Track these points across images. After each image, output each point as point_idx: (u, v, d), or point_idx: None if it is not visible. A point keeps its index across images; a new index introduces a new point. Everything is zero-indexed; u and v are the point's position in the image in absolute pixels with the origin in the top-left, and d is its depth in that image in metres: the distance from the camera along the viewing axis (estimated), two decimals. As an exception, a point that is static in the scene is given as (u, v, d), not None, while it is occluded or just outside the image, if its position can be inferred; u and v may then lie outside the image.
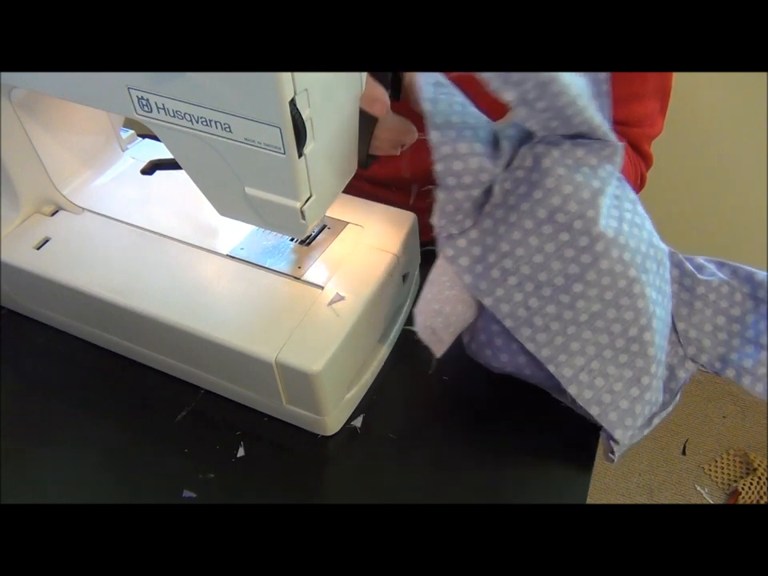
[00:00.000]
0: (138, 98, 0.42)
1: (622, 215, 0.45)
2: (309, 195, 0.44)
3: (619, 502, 1.33)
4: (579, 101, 0.42)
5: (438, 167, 0.45)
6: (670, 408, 0.50)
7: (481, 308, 0.49)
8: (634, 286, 0.44)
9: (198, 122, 0.41)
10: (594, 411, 0.46)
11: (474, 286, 0.46)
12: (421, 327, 0.47)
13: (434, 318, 0.47)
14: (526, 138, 0.47)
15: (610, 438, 0.48)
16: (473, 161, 0.45)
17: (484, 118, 0.47)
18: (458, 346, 0.59)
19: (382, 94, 0.48)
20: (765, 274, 0.49)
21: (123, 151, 0.64)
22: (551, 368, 0.46)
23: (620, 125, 0.59)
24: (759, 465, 1.34)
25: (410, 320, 0.60)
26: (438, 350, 0.48)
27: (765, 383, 0.50)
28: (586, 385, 0.46)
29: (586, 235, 0.44)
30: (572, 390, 0.46)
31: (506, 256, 0.45)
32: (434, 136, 0.45)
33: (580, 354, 0.45)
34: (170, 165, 0.55)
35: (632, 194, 0.48)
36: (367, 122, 0.48)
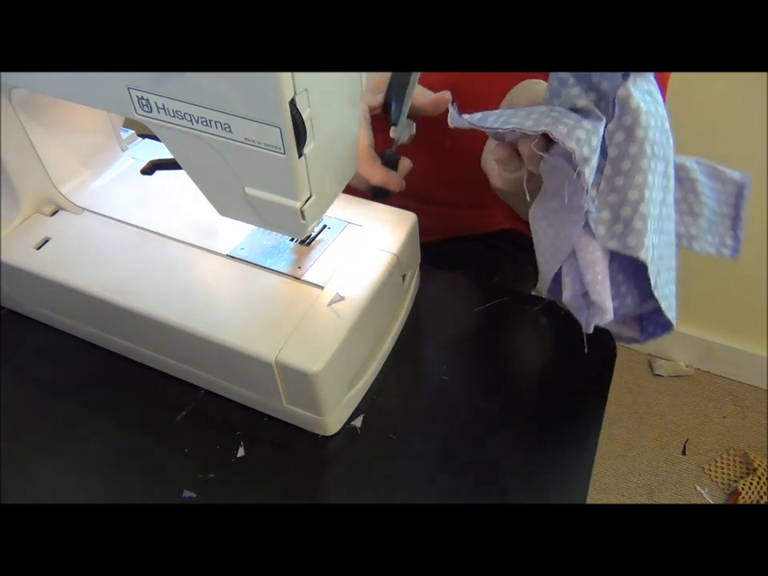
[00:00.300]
0: (138, 98, 0.42)
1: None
2: (309, 195, 0.44)
3: (619, 502, 1.33)
4: None
5: (577, 153, 0.44)
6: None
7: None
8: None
9: (198, 122, 0.41)
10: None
11: (624, 246, 0.46)
12: (608, 306, 0.47)
13: (609, 293, 0.47)
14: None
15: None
16: (594, 139, 0.44)
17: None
18: (458, 345, 0.59)
19: (392, 179, 0.57)
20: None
21: (123, 151, 0.64)
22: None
23: None
24: (759, 465, 1.34)
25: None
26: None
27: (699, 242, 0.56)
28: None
29: (664, 162, 0.46)
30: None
31: (640, 201, 0.45)
32: (561, 129, 0.44)
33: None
34: (170, 165, 0.55)
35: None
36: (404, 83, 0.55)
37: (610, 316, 0.47)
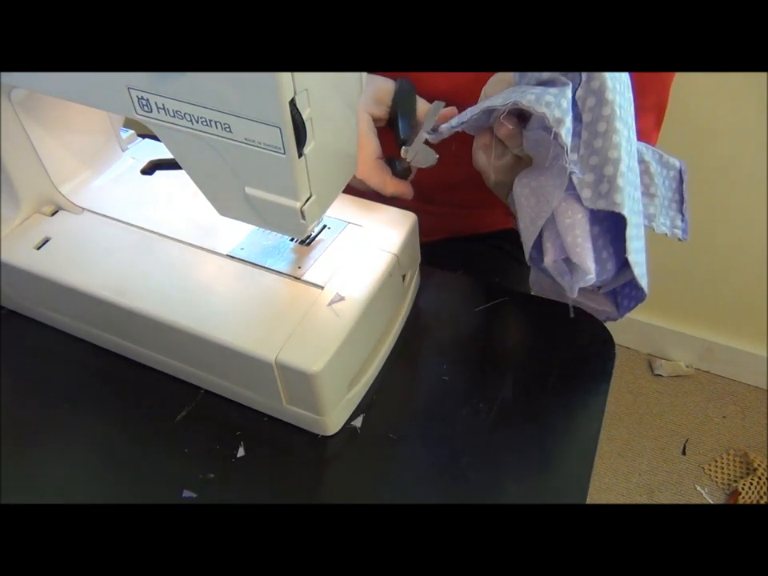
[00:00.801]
0: (138, 98, 0.42)
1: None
2: (309, 195, 0.44)
3: (619, 502, 1.33)
4: None
5: (549, 115, 0.45)
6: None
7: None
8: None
9: (197, 122, 0.41)
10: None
11: (612, 203, 0.47)
12: (589, 267, 0.48)
13: (590, 254, 0.48)
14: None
15: None
16: (563, 101, 0.45)
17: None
18: (457, 345, 0.59)
19: (405, 190, 0.58)
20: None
21: (123, 151, 0.64)
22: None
23: None
24: (759, 465, 1.34)
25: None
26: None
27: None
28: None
29: (627, 128, 0.48)
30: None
31: (620, 160, 0.46)
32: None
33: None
34: (170, 165, 0.55)
35: None
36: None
37: (592, 276, 0.48)
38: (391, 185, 0.58)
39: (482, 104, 0.48)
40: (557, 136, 0.44)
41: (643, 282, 0.53)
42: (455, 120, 0.50)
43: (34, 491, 0.50)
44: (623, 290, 0.56)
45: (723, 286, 1.41)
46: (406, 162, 0.57)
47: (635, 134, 0.51)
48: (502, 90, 0.50)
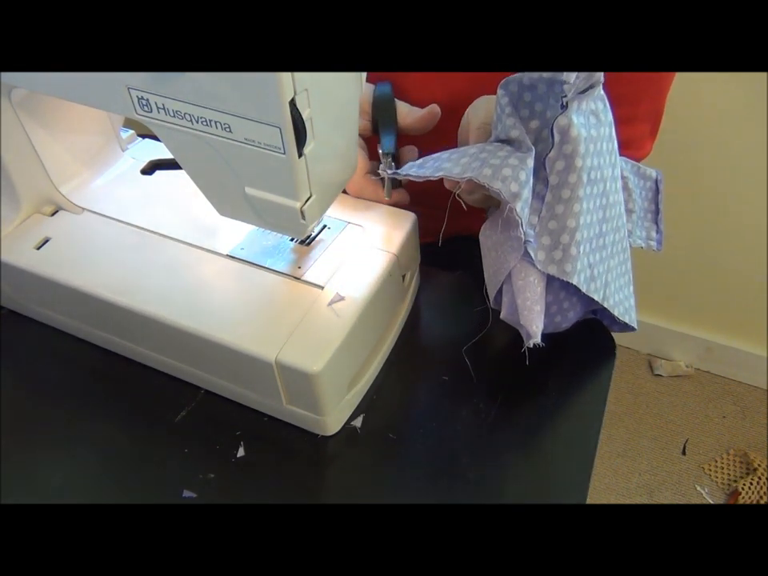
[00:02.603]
0: (138, 98, 0.42)
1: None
2: (309, 195, 0.44)
3: (619, 502, 1.33)
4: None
5: (504, 191, 0.45)
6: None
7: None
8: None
9: (198, 122, 0.41)
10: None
11: (562, 272, 0.48)
12: (535, 331, 0.48)
13: (538, 316, 0.48)
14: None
15: None
16: (522, 173, 0.45)
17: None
18: (457, 345, 0.59)
19: (401, 198, 0.57)
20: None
21: (123, 151, 0.64)
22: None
23: None
24: (759, 465, 1.34)
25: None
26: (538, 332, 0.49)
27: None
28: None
29: (602, 182, 0.48)
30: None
31: (576, 229, 0.47)
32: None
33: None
34: (170, 165, 0.55)
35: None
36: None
37: (536, 339, 0.48)
38: (383, 197, 0.58)
39: (442, 165, 0.47)
40: (511, 210, 0.45)
41: (628, 317, 0.54)
42: (413, 170, 0.49)
43: (34, 491, 0.50)
44: (610, 317, 0.56)
45: (723, 286, 1.41)
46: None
47: (619, 181, 0.52)
48: (485, 120, 0.50)
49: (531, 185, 0.46)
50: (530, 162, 0.45)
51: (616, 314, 0.53)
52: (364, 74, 0.45)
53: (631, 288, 0.56)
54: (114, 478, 0.51)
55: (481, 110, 0.52)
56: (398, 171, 0.50)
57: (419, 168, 0.49)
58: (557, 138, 0.45)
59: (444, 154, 0.49)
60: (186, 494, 0.49)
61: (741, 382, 1.54)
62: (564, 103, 0.45)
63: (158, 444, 0.52)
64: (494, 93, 0.48)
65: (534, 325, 0.48)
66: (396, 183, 0.58)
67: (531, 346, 0.48)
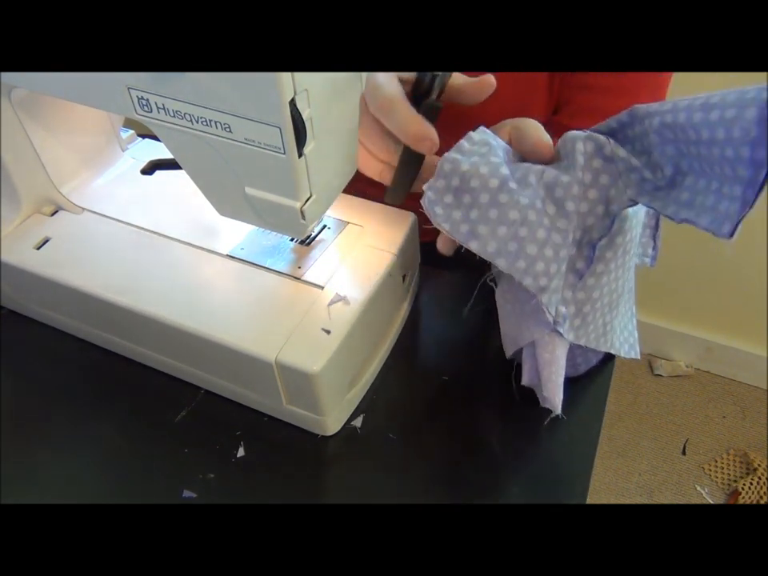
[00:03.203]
0: (138, 98, 0.42)
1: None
2: (309, 195, 0.44)
3: (619, 502, 1.33)
4: None
5: (533, 286, 0.44)
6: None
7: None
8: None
9: (198, 122, 0.41)
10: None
11: (577, 337, 0.49)
12: (557, 404, 0.49)
13: (560, 388, 0.49)
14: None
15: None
16: (553, 266, 0.44)
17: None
18: (457, 345, 0.59)
19: (432, 133, 0.44)
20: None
21: (123, 151, 0.64)
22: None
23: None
24: (759, 465, 1.34)
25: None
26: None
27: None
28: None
29: (631, 242, 0.48)
30: None
31: (599, 299, 0.48)
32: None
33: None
34: (170, 165, 0.55)
35: None
36: (414, 160, 0.48)
37: (557, 412, 0.49)
38: (415, 124, 0.45)
39: (472, 239, 0.45)
40: (539, 301, 0.44)
41: (633, 351, 0.55)
42: (446, 225, 0.45)
43: (34, 491, 0.50)
44: None
45: (723, 286, 1.41)
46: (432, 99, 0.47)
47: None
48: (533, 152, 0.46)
49: (563, 271, 0.44)
50: (564, 253, 0.44)
51: (622, 354, 0.54)
52: (364, 74, 0.45)
53: (635, 321, 0.56)
54: (114, 478, 0.51)
55: (525, 143, 0.47)
56: (435, 215, 0.45)
57: (453, 227, 0.45)
58: (616, 225, 0.44)
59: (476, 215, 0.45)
60: (186, 494, 0.49)
61: (741, 382, 1.54)
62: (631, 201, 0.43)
63: (157, 444, 0.52)
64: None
65: (558, 398, 0.49)
66: (428, 114, 0.46)
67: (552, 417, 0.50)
